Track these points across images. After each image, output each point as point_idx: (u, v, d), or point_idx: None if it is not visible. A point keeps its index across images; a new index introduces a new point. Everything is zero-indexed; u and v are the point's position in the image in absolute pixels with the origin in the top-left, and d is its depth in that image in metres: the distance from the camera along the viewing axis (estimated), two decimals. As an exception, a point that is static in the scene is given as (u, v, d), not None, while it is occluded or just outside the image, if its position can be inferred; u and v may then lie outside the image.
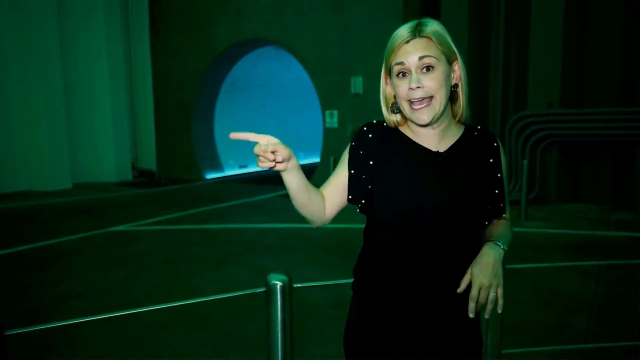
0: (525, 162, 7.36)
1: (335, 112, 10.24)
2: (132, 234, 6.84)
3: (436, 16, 9.22)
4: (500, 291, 1.29)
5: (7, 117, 10.73)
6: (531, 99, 8.75)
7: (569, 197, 8.73)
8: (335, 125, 10.25)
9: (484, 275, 1.27)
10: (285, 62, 12.68)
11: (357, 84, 9.92)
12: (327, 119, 10.40)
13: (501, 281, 1.30)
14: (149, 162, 13.29)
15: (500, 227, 1.43)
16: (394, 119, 1.40)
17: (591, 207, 8.17)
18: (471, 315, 1.28)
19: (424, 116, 1.29)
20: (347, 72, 10.01)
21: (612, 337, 3.44)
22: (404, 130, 1.41)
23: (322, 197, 1.41)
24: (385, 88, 1.39)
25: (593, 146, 8.50)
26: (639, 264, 4.69)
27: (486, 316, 1.29)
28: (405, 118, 1.38)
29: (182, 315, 3.88)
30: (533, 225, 6.97)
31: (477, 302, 1.28)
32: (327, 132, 10.44)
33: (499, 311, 1.29)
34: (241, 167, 13.72)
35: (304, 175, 1.33)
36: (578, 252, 5.60)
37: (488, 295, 1.27)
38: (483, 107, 9.34)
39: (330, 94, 10.30)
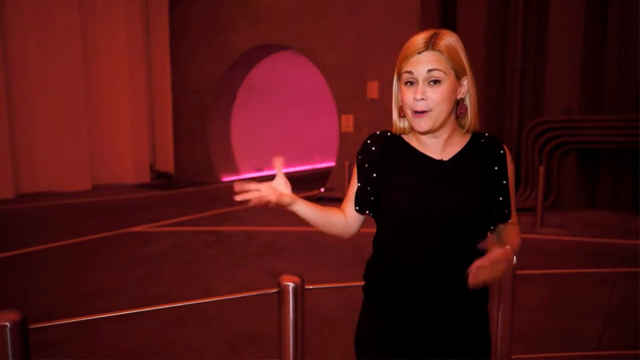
0: (542, 168, 7.30)
1: (351, 117, 10.28)
2: (149, 235, 6.95)
3: (453, 21, 9.23)
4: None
5: (29, 118, 10.98)
6: (548, 104, 8.68)
7: (586, 204, 8.62)
8: (351, 130, 10.29)
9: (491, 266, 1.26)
10: (302, 66, 12.78)
11: (373, 89, 9.95)
12: (343, 124, 10.44)
13: (499, 275, 1.29)
14: (167, 164, 13.47)
15: (511, 232, 1.45)
16: (402, 125, 1.44)
17: (609, 215, 8.06)
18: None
19: (423, 124, 1.34)
20: (363, 77, 10.05)
21: (627, 345, 3.40)
22: (409, 139, 1.44)
23: (342, 214, 1.49)
24: (397, 93, 1.44)
25: (611, 153, 8.40)
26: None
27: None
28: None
29: (196, 315, 3.94)
30: (548, 232, 6.90)
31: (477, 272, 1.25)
32: (343, 137, 10.48)
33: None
34: (257, 169, 13.82)
35: (312, 206, 1.44)
36: (594, 260, 5.54)
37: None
38: (500, 112, 9.29)
39: (346, 99, 10.35)
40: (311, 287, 2.23)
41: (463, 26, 9.03)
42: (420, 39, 1.33)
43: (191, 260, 5.67)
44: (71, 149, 11.37)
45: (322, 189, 10.55)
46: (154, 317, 3.85)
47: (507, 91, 9.22)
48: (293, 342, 2.13)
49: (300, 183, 12.31)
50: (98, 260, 5.75)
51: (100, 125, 12.32)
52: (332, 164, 13.04)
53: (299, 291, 2.11)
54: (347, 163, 8.35)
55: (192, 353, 3.41)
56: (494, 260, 1.25)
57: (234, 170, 13.17)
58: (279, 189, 1.37)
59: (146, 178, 12.97)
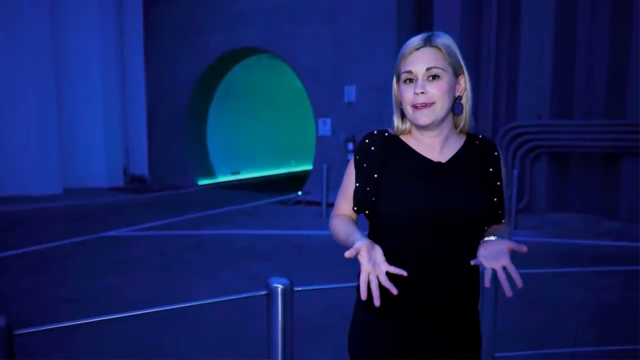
0: (515, 172, 7.49)
1: (328, 121, 10.33)
2: (125, 240, 6.83)
3: (429, 27, 9.37)
4: (510, 266, 1.25)
5: (-2, 120, 10.68)
6: (521, 109, 8.91)
7: (557, 206, 8.86)
8: (328, 134, 10.33)
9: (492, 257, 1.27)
10: (279, 70, 12.79)
11: (350, 93, 10.02)
12: (320, 127, 10.48)
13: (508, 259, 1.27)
14: (141, 167, 13.26)
15: (498, 229, 1.48)
16: (403, 127, 1.45)
17: (579, 217, 8.31)
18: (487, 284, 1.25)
19: (424, 118, 1.36)
20: (340, 81, 10.12)
21: (601, 342, 3.52)
22: (407, 139, 1.46)
23: (353, 219, 1.50)
24: (397, 94, 1.44)
25: (580, 157, 8.67)
26: (622, 271, 4.79)
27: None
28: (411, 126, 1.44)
29: (177, 320, 3.90)
30: (522, 234, 7.07)
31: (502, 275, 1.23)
32: (320, 140, 10.52)
33: (519, 285, 1.22)
34: (233, 173, 13.74)
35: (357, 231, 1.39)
36: (566, 261, 5.71)
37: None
38: (474, 116, 9.48)
39: (323, 103, 10.39)
40: (300, 289, 2.23)
41: (438, 31, 9.19)
42: (417, 37, 1.38)
43: (170, 265, 5.59)
44: (41, 152, 11.07)
45: (299, 192, 10.56)
46: (135, 323, 3.79)
47: (481, 96, 9.42)
48: (282, 344, 2.13)
49: (277, 186, 12.29)
50: (74, 265, 5.62)
51: (72, 127, 12.04)
52: (308, 167, 13.06)
53: (287, 293, 2.12)
54: (325, 167, 8.37)
55: (175, 359, 3.37)
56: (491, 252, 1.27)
57: (210, 173, 13.06)
58: (376, 255, 1.27)
59: (119, 181, 12.74)
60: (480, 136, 1.49)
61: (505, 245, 1.29)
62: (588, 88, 8.50)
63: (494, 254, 1.28)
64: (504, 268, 1.26)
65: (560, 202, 8.90)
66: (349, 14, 9.93)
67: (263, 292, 2.13)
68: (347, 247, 1.33)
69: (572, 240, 6.75)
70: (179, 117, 12.35)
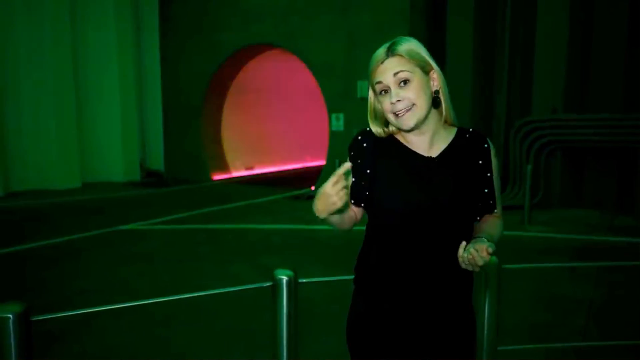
0: (529, 167, 7.43)
1: (342, 115, 10.35)
2: (140, 233, 6.97)
3: (442, 21, 9.33)
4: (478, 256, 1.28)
5: (18, 116, 10.91)
6: (535, 104, 8.82)
7: (572, 202, 8.77)
8: (342, 129, 10.36)
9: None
10: (293, 65, 12.82)
11: (363, 88, 10.03)
12: (334, 122, 10.51)
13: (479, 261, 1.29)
14: (157, 162, 13.45)
15: (487, 224, 1.52)
16: (390, 129, 1.51)
17: (594, 213, 8.21)
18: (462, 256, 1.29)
19: (408, 121, 1.42)
20: (353, 76, 10.12)
21: (609, 337, 3.52)
22: (398, 136, 1.52)
23: (350, 210, 1.53)
24: (375, 104, 1.50)
25: (596, 152, 8.56)
26: (634, 267, 4.75)
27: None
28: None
29: (189, 311, 3.99)
30: (536, 229, 7.03)
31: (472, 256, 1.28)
32: (334, 135, 10.55)
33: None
34: (247, 168, 13.85)
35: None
36: (579, 257, 5.67)
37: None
38: (488, 112, 9.41)
39: (336, 97, 10.41)
40: (304, 280, 2.29)
41: (452, 26, 9.14)
42: (381, 49, 1.44)
43: (183, 258, 5.70)
44: (61, 147, 11.31)
45: (313, 187, 10.61)
46: (146, 313, 3.89)
47: (495, 91, 9.35)
48: (287, 335, 2.19)
49: (291, 181, 12.36)
50: (90, 258, 5.76)
51: (91, 123, 12.27)
52: (322, 162, 13.10)
53: (292, 284, 2.17)
54: (338, 161, 8.41)
55: (185, 348, 3.47)
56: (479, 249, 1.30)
57: (224, 168, 13.18)
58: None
59: (136, 176, 12.94)
60: (470, 130, 1.53)
61: (485, 244, 1.30)
62: (604, 82, 8.37)
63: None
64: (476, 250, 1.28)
65: (574, 198, 8.81)
66: (361, 9, 9.91)
67: (268, 284, 2.19)
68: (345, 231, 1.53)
69: (586, 236, 6.69)
70: (194, 112, 12.47)
